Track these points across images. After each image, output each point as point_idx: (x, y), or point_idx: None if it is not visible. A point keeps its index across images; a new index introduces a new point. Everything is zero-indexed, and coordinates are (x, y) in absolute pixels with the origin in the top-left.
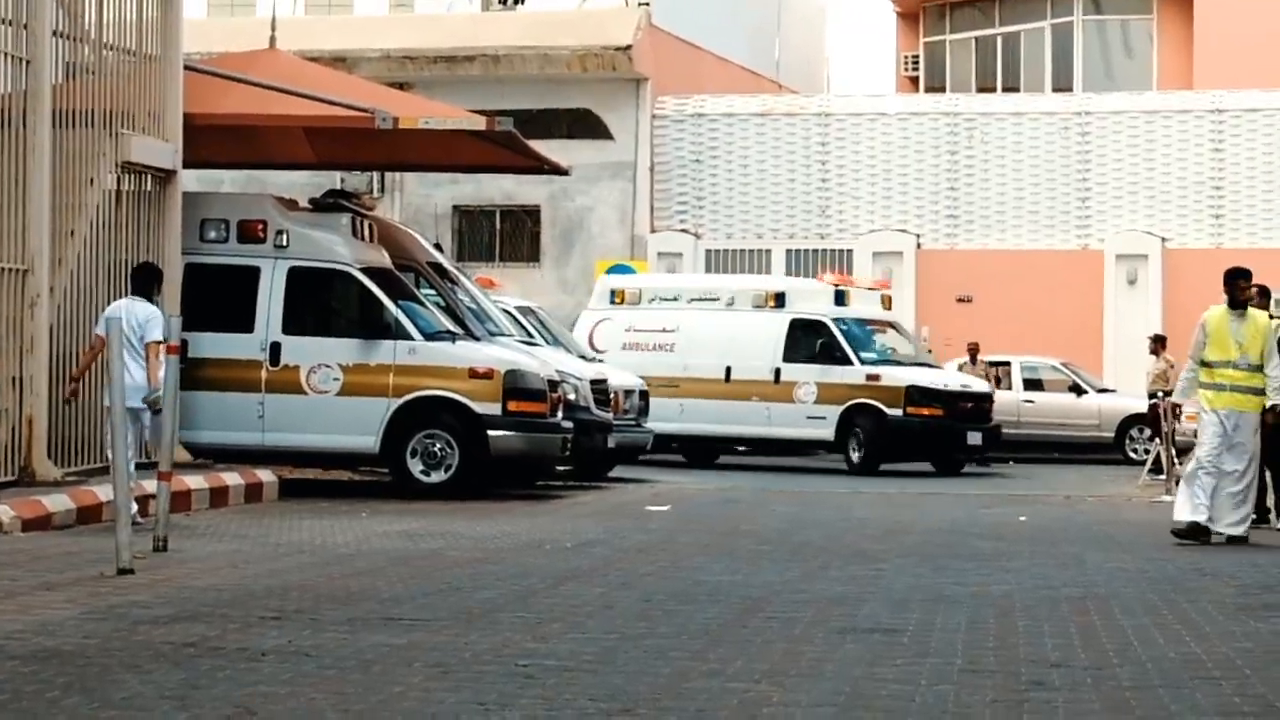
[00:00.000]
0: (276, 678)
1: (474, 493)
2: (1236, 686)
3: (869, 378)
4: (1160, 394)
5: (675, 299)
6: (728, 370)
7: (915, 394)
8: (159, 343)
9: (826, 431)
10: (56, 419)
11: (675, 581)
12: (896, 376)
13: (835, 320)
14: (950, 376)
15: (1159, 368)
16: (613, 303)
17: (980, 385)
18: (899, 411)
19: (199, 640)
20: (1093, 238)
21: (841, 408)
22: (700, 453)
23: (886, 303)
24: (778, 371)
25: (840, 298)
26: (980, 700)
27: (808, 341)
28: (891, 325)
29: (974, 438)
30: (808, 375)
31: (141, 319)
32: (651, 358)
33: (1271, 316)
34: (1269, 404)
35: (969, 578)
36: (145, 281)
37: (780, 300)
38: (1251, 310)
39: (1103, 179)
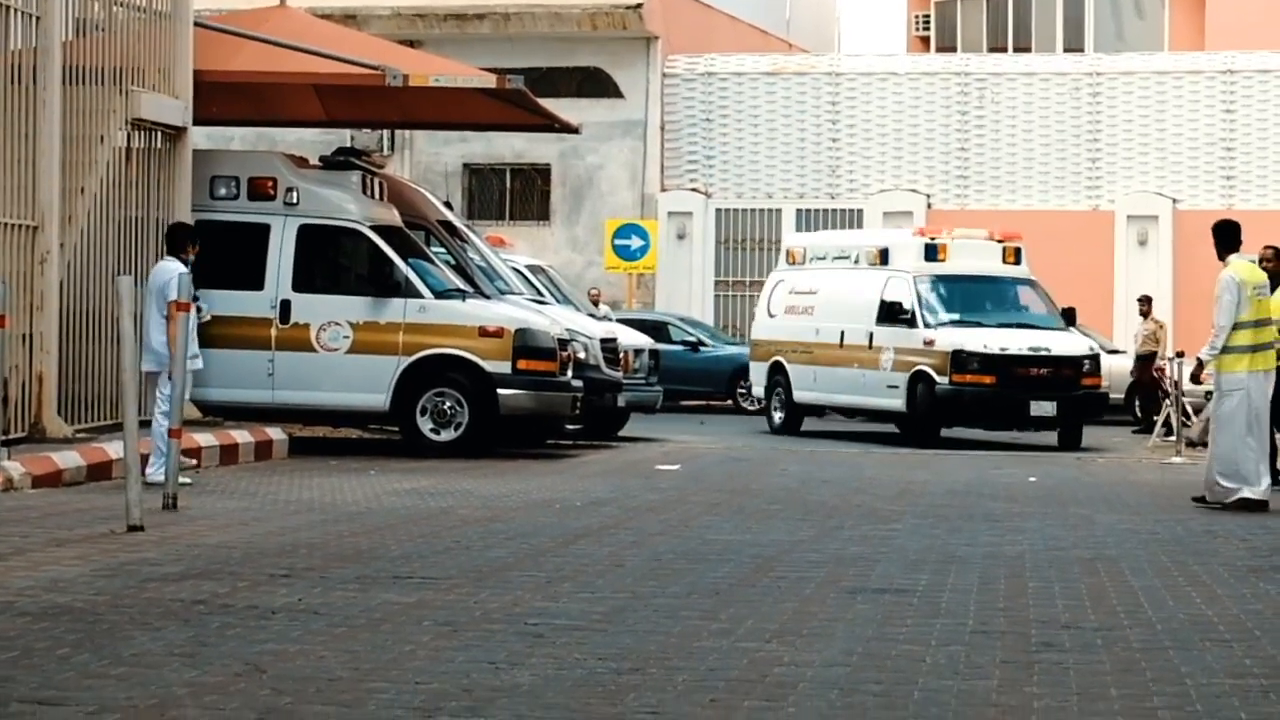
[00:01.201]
0: (286, 635)
1: (484, 451)
2: (1247, 648)
3: (925, 342)
4: (1165, 356)
5: (824, 258)
6: (841, 335)
7: (962, 359)
8: (174, 303)
9: (899, 402)
10: (67, 376)
11: (685, 540)
12: (950, 340)
13: (916, 278)
14: (1024, 338)
15: (1148, 329)
16: (789, 263)
17: (1075, 347)
18: (946, 380)
19: (209, 598)
20: (1103, 199)
21: (907, 375)
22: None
23: (1010, 255)
24: (870, 336)
25: (931, 252)
26: (990, 661)
27: (890, 304)
28: (1022, 281)
29: (1041, 408)
30: (888, 340)
31: (161, 281)
32: (796, 322)
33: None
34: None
35: (980, 538)
36: (175, 241)
37: (884, 257)
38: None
39: (1113, 140)
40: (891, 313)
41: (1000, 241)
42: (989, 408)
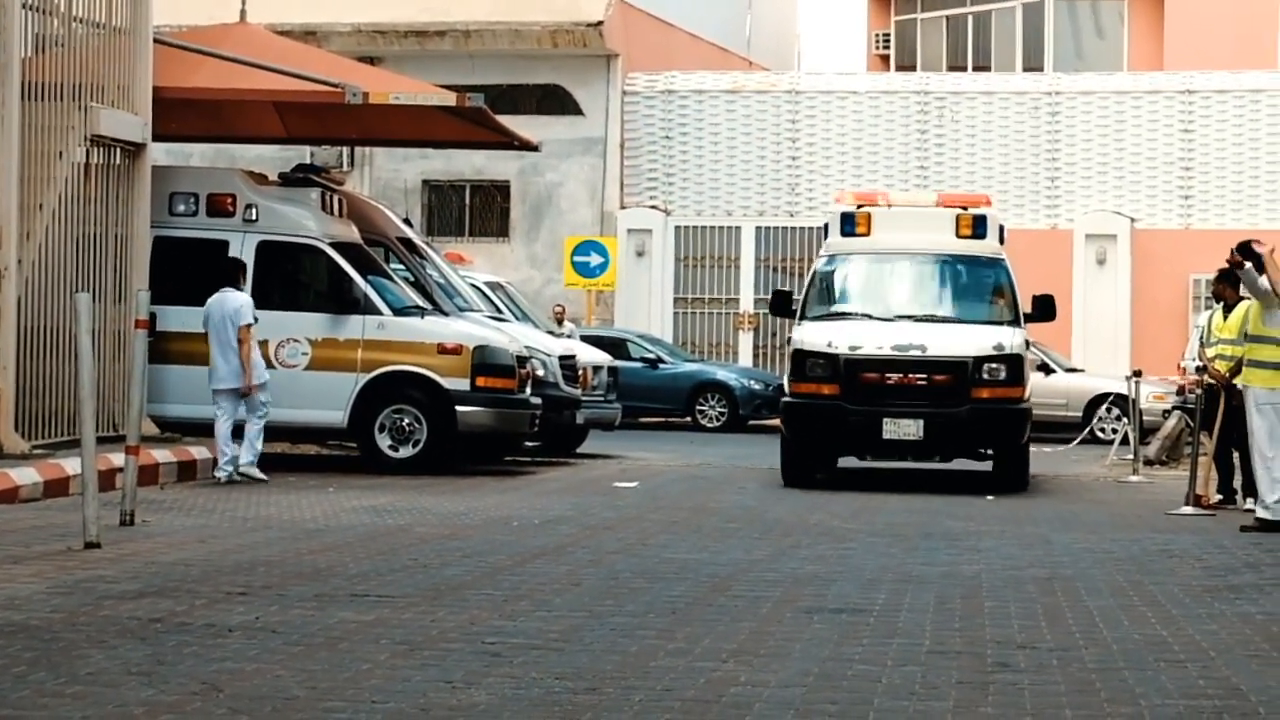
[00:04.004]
0: (243, 654)
1: (442, 468)
2: (1201, 669)
3: (788, 342)
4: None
5: None
6: None
7: (801, 362)
8: (247, 326)
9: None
10: (24, 392)
11: (642, 559)
12: (800, 338)
13: (824, 258)
14: (899, 334)
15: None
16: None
17: (966, 345)
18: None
19: (166, 615)
20: (1062, 217)
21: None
22: None
23: (966, 227)
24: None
25: (848, 224)
26: (946, 681)
27: (781, 294)
28: (974, 260)
29: (899, 429)
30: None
31: (232, 308)
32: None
33: None
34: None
35: (938, 557)
36: (233, 273)
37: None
38: None
39: (1072, 159)
40: (780, 304)
41: (954, 209)
42: (831, 428)
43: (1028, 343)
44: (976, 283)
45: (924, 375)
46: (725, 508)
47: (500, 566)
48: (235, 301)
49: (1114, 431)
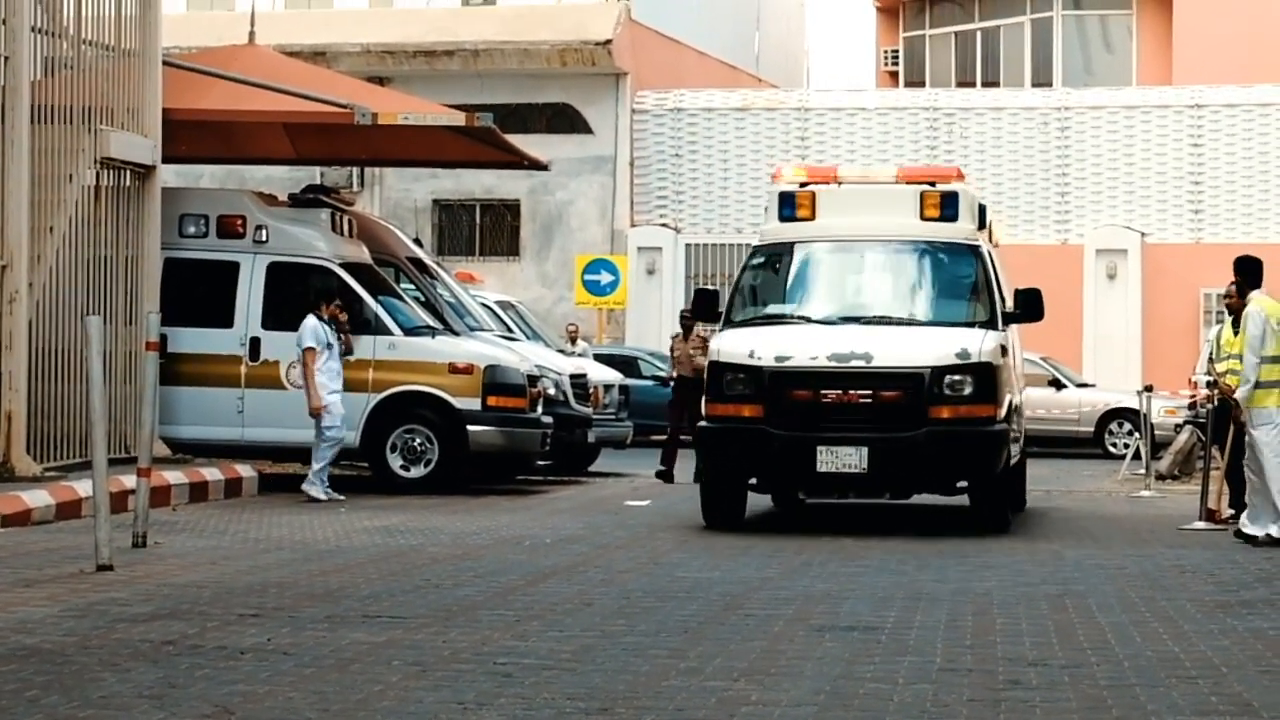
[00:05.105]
0: (255, 677)
1: (453, 488)
2: (1213, 685)
3: (707, 351)
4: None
5: None
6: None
7: (720, 377)
8: (306, 350)
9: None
10: (36, 414)
11: (654, 578)
12: (718, 348)
13: (756, 248)
14: (840, 340)
15: None
16: None
17: (924, 354)
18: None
19: (178, 638)
20: (1072, 232)
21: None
22: None
23: (932, 207)
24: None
25: (788, 206)
26: (958, 699)
27: (705, 293)
28: (937, 248)
29: (836, 457)
30: (690, 350)
31: (298, 335)
32: None
33: None
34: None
35: (949, 574)
36: (313, 300)
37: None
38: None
39: (1082, 174)
40: (704, 306)
41: (917, 185)
42: (751, 458)
43: (1004, 349)
44: (944, 276)
45: (869, 391)
46: (736, 525)
47: (512, 586)
48: (303, 327)
49: (1126, 446)
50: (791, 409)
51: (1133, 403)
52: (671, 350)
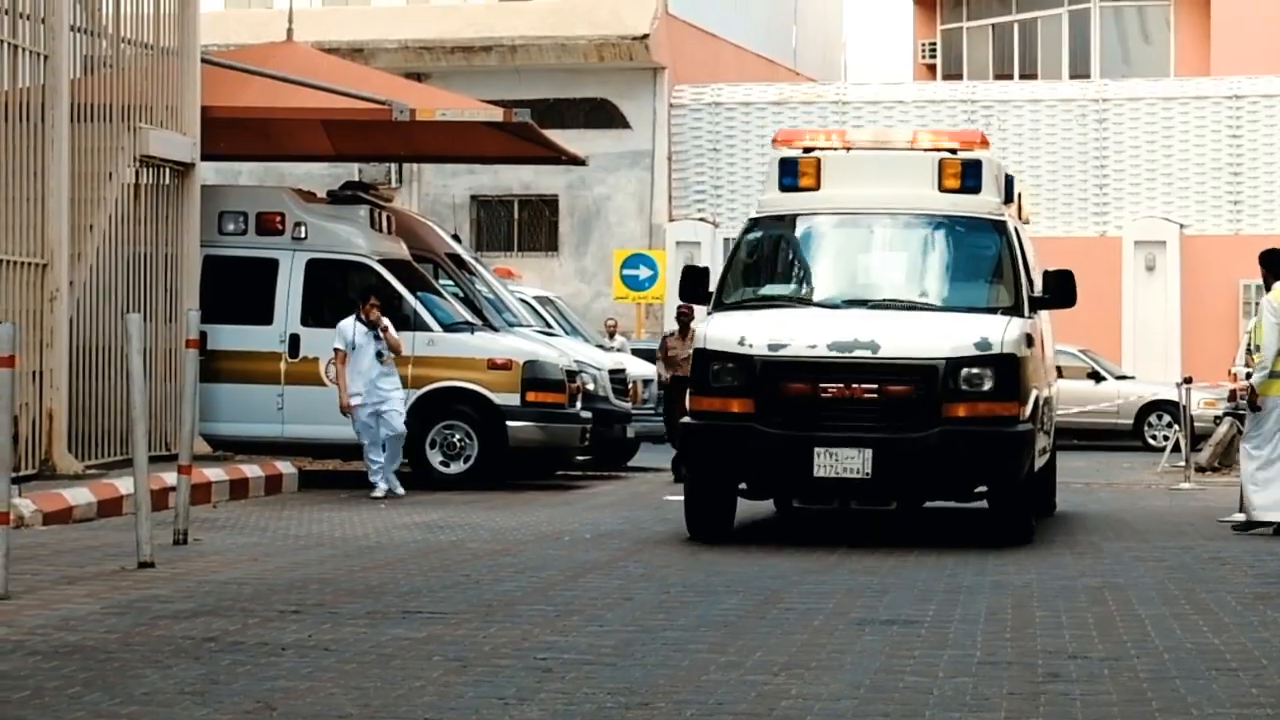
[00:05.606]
0: (296, 672)
1: (493, 483)
2: (1254, 677)
3: (692, 339)
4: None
5: None
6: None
7: (707, 368)
8: (335, 350)
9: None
10: (76, 412)
11: (694, 573)
12: (705, 335)
13: (753, 221)
14: (842, 328)
15: None
16: None
17: (940, 344)
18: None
19: (219, 635)
20: (1111, 224)
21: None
22: None
23: (952, 177)
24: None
25: (789, 174)
26: (998, 693)
27: (694, 271)
28: (956, 222)
29: (835, 460)
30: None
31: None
32: None
33: None
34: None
35: (989, 567)
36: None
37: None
38: None
39: (1120, 165)
40: (692, 285)
41: (936, 152)
42: (739, 460)
43: (1030, 338)
44: (964, 254)
45: (874, 385)
46: (777, 519)
47: (552, 581)
48: (337, 327)
49: (1165, 439)
50: (786, 405)
51: (1172, 395)
52: (665, 350)
